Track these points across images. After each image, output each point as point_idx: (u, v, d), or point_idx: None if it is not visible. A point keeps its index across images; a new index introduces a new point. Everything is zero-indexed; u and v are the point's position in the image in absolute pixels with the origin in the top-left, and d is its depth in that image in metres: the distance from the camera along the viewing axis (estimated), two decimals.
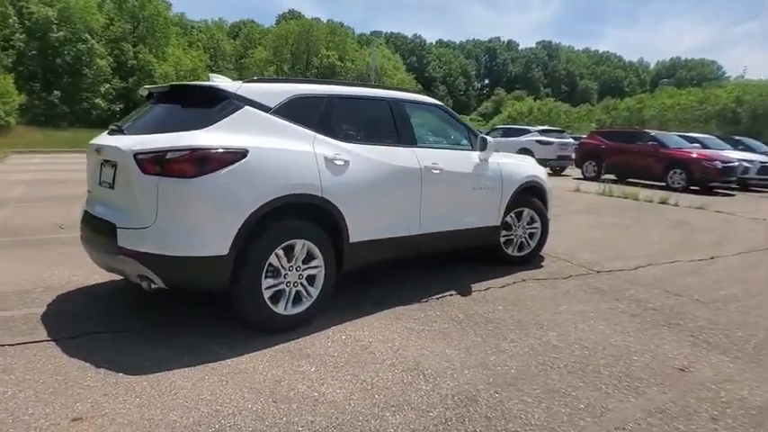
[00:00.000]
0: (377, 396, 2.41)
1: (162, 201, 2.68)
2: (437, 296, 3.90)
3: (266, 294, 2.96)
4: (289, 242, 3.02)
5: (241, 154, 2.79)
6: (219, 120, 2.88)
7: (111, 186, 2.99)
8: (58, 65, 34.25)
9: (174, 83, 3.37)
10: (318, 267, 3.20)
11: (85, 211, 3.27)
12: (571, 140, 16.83)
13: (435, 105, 4.35)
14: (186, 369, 2.59)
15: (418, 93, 4.45)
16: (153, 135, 2.86)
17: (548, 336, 3.22)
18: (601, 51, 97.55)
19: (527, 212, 4.87)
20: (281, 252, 3.00)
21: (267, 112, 3.06)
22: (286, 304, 3.07)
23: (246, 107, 2.99)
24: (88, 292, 3.69)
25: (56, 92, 34.38)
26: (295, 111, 3.18)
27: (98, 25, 38.57)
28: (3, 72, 24.78)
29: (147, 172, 2.71)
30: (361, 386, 2.49)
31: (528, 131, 17.35)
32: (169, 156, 2.68)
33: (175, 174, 2.68)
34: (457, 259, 4.87)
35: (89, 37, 36.71)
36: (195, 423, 2.13)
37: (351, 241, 3.34)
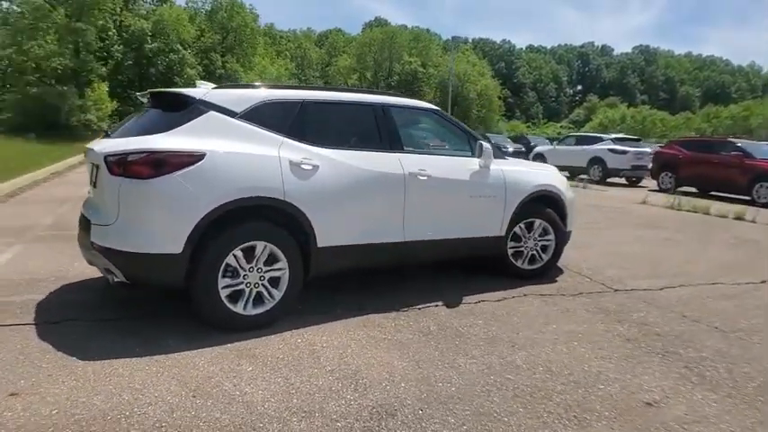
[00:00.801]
0: (294, 401, 2.42)
1: (122, 200, 2.90)
2: (421, 306, 3.83)
3: (223, 293, 3.08)
4: (248, 243, 3.12)
5: (197, 157, 2.94)
6: (182, 124, 3.06)
7: (95, 186, 3.28)
8: (152, 74, 37.63)
9: (153, 90, 3.62)
10: (282, 270, 3.27)
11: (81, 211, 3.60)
12: (648, 150, 15.66)
13: (431, 111, 4.28)
14: (133, 359, 2.76)
15: (413, 98, 4.41)
16: (126, 138, 3.10)
17: (515, 355, 3.05)
18: (704, 56, 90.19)
19: (539, 223, 4.63)
20: (239, 253, 3.10)
21: (233, 116, 3.20)
22: (245, 304, 3.17)
23: (211, 112, 3.14)
24: (90, 285, 4.03)
25: None
26: (264, 116, 3.29)
27: (189, 36, 41.90)
28: (98, 81, 27.65)
29: (112, 173, 2.94)
30: (286, 389, 2.52)
31: (600, 140, 16.41)
32: (130, 158, 2.89)
33: (134, 175, 2.88)
34: (466, 269, 4.76)
35: (180, 47, 39.95)
36: (111, 408, 2.28)
37: (319, 246, 3.38)
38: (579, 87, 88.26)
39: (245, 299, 3.16)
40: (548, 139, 28.03)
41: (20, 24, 22.74)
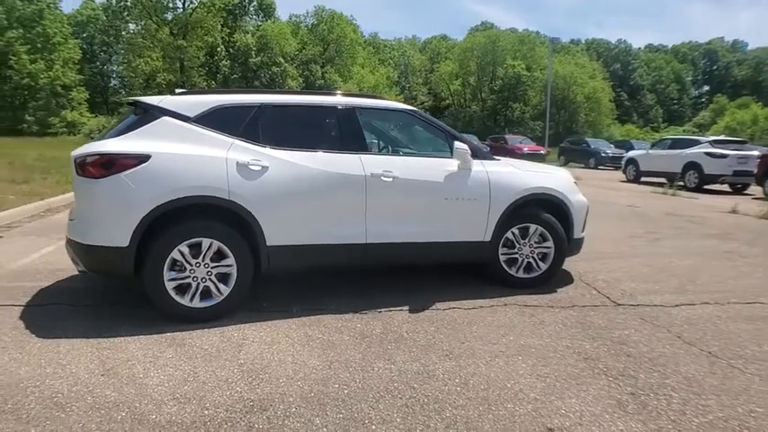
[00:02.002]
0: (185, 388, 2.57)
1: (81, 197, 3.29)
2: (385, 309, 3.80)
3: (169, 286, 3.33)
4: (194, 240, 3.35)
5: (142, 158, 3.23)
6: (136, 128, 3.38)
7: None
8: (256, 86, 40.80)
9: (129, 98, 4.01)
10: (231, 266, 3.46)
11: None
12: (756, 153, 13.69)
13: (407, 112, 4.24)
14: (80, 339, 3.09)
15: (388, 99, 4.38)
16: (95, 142, 3.51)
17: (440, 365, 2.93)
18: None
19: (534, 229, 4.36)
20: (185, 249, 3.34)
21: (186, 121, 3.46)
22: (192, 298, 3.39)
23: (164, 117, 3.43)
24: (93, 276, 4.54)
25: None
26: (217, 119, 3.52)
27: (291, 50, 44.81)
28: None
29: (77, 173, 3.34)
30: (185, 377, 2.68)
31: (698, 142, 14.72)
32: (87, 160, 3.27)
33: (89, 175, 3.24)
34: (468, 273, 4.66)
35: (282, 60, 42.90)
36: (29, 377, 2.60)
37: (269, 244, 3.52)
38: (706, 88, 79.62)
39: (191, 292, 3.39)
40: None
41: (133, 42, 26.01)
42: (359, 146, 3.87)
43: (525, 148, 24.66)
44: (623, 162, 17.89)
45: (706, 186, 13.98)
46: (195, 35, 29.71)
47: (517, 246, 4.37)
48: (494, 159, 4.45)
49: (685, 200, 11.88)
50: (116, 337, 3.15)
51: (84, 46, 41.26)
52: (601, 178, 18.25)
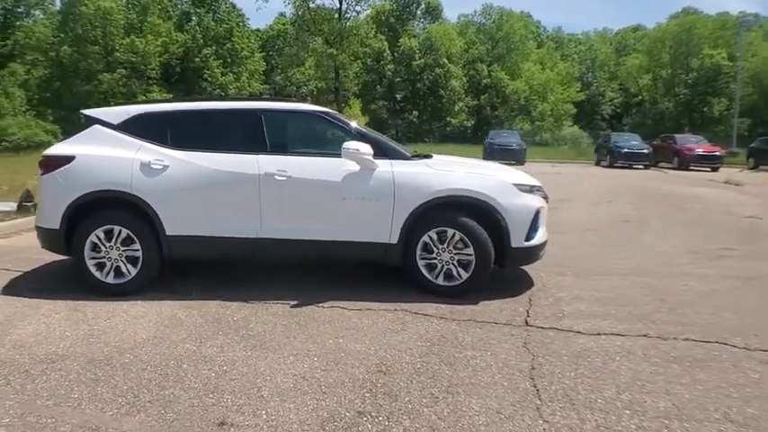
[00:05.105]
0: (40, 338, 3.35)
1: (39, 189, 4.34)
2: (273, 301, 4.09)
3: (90, 263, 4.16)
4: (107, 227, 4.14)
5: (68, 159, 4.14)
6: (77, 134, 4.32)
7: None
8: (418, 88, 42.43)
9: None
10: (138, 251, 4.17)
11: None
12: None
13: (313, 113, 4.49)
14: (26, 298, 4.09)
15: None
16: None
17: (231, 353, 3.18)
18: None
19: (452, 233, 4.17)
20: (101, 233, 4.13)
21: (111, 128, 4.27)
22: (107, 275, 4.19)
23: (96, 125, 4.30)
24: None
25: (414, 112, 42.77)
26: (134, 125, 4.27)
27: (456, 50, 45.36)
28: (353, 98, 32.79)
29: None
30: (45, 331, 3.46)
31: None
32: (40, 160, 4.31)
33: (42, 172, 4.27)
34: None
35: (446, 61, 43.71)
36: None
37: (168, 234, 4.14)
38: None
39: (106, 270, 4.19)
40: None
41: (288, 52, 29.46)
42: (259, 147, 4.24)
43: (698, 149, 21.13)
44: None
45: None
46: (348, 43, 32.46)
47: (435, 251, 4.23)
48: (414, 158, 4.40)
49: None
50: (45, 299, 4.08)
51: (275, 58, 47.79)
52: None
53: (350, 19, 33.03)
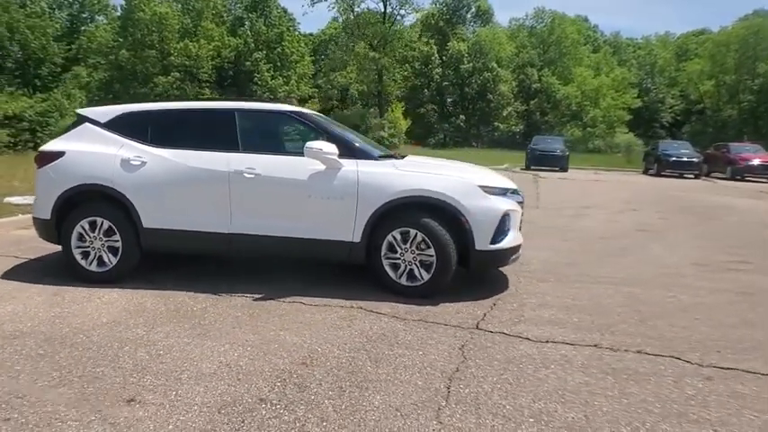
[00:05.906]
0: (13, 316, 3.68)
1: (35, 183, 4.73)
2: (239, 294, 4.27)
3: (76, 252, 4.50)
4: (91, 218, 4.46)
5: (59, 155, 4.49)
6: (69, 131, 4.68)
7: None
8: (466, 92, 42.12)
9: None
10: (118, 242, 4.47)
11: None
12: None
13: (284, 113, 4.67)
14: (19, 282, 4.46)
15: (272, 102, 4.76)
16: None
17: (169, 340, 3.36)
18: None
19: (414, 234, 4.23)
20: (86, 224, 4.46)
21: (99, 126, 4.60)
22: (91, 263, 4.51)
23: (86, 123, 4.64)
24: None
25: (462, 116, 42.49)
26: (120, 124, 4.59)
27: (506, 54, 44.74)
28: (395, 102, 32.98)
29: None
30: (22, 311, 3.79)
31: None
32: (37, 155, 4.69)
33: (37, 166, 4.65)
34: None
35: (495, 65, 43.19)
36: None
37: (145, 226, 4.42)
38: None
39: (90, 259, 4.51)
40: None
41: (333, 56, 30.02)
42: (231, 145, 4.46)
43: (755, 159, 19.86)
44: None
45: None
46: (392, 48, 32.73)
47: (399, 251, 4.30)
48: (382, 159, 4.48)
49: None
50: (35, 284, 4.44)
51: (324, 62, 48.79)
52: None
53: (394, 23, 33.31)
